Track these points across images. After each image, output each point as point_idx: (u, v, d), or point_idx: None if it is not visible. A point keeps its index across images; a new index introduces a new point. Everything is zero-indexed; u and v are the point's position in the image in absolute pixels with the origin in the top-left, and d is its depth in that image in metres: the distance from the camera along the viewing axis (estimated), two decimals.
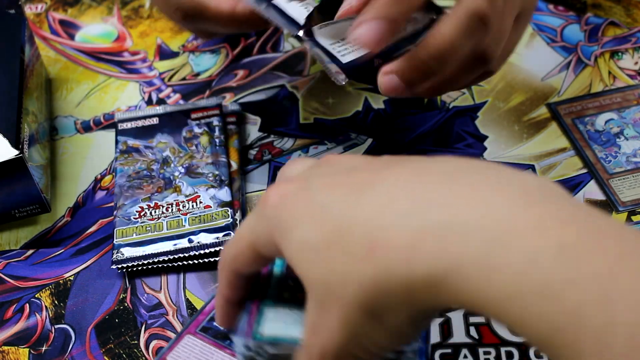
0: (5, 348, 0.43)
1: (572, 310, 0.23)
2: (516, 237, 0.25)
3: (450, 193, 0.27)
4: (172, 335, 0.42)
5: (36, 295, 0.45)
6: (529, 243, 0.24)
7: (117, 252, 0.45)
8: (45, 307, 0.44)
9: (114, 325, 0.43)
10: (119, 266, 0.45)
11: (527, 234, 0.25)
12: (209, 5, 0.45)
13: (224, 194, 0.48)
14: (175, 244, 0.45)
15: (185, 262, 0.45)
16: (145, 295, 0.44)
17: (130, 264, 0.45)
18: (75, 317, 0.44)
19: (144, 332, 0.43)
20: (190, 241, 0.45)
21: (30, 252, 0.47)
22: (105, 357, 0.42)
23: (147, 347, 0.42)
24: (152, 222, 0.46)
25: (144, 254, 0.45)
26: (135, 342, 0.42)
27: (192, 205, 0.47)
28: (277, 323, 0.37)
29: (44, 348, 0.42)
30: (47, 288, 0.45)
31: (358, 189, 0.29)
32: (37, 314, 0.44)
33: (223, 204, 0.47)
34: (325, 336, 0.29)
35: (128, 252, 0.45)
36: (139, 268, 0.45)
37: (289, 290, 0.39)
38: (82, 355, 0.42)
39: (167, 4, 0.45)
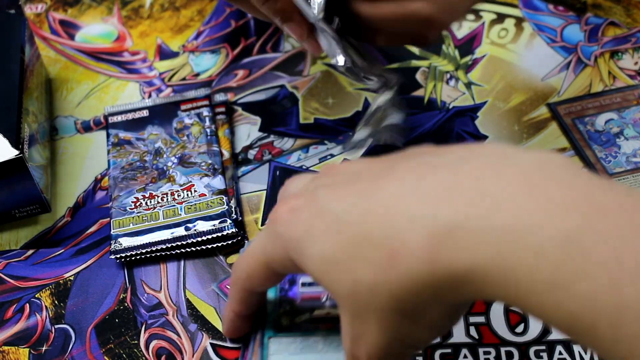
0: (5, 348, 0.43)
1: (585, 299, 0.24)
2: (523, 233, 0.25)
3: (455, 188, 0.27)
4: (172, 335, 0.42)
5: (36, 295, 0.45)
6: (536, 237, 0.25)
7: (115, 242, 0.45)
8: (45, 307, 0.44)
9: (114, 325, 0.43)
10: (118, 256, 0.45)
11: (533, 227, 0.25)
12: None
13: (218, 182, 0.48)
14: (172, 232, 0.45)
15: (183, 250, 0.46)
16: (145, 295, 0.44)
17: (128, 254, 0.45)
18: (75, 317, 0.44)
19: (144, 332, 0.43)
20: (187, 229, 0.46)
21: (30, 252, 0.47)
22: (106, 357, 0.42)
23: (147, 347, 0.42)
24: (148, 211, 0.47)
25: (141, 243, 0.45)
26: (136, 342, 0.42)
27: (187, 194, 0.48)
28: (281, 355, 0.37)
29: (44, 348, 0.42)
30: (47, 288, 0.45)
31: (366, 195, 0.29)
32: (37, 314, 0.44)
33: (217, 192, 0.47)
34: (369, 343, 0.30)
35: (126, 241, 0.45)
36: (138, 257, 0.45)
37: (287, 316, 0.40)
38: (82, 355, 0.42)
39: None
